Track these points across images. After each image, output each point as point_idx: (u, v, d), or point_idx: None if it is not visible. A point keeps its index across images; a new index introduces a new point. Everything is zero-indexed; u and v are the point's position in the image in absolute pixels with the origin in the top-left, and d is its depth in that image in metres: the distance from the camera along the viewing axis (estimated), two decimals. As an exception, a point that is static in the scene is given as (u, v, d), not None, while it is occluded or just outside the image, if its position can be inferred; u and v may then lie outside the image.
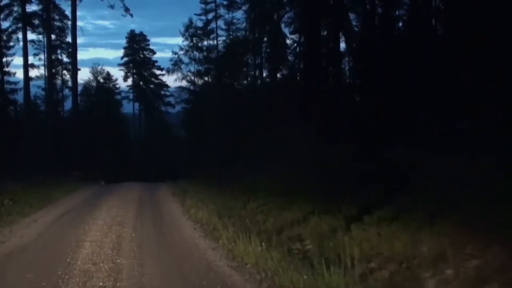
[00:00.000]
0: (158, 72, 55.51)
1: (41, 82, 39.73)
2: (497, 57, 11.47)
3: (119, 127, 49.41)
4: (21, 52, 32.82)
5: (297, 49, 28.17)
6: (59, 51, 42.89)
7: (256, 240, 7.64)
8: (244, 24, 37.55)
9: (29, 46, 35.40)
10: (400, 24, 21.05)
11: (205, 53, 43.51)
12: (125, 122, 53.25)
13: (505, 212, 5.77)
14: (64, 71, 44.28)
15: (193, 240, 8.94)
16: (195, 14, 43.98)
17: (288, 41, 31.38)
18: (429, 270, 5.37)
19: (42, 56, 39.81)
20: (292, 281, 5.73)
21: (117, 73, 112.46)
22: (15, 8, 35.41)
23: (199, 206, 12.84)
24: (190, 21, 43.62)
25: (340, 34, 23.59)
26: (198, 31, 43.80)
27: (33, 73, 38.04)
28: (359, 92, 22.21)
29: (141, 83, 56.44)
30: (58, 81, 43.66)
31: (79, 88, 39.15)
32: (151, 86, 56.59)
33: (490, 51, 11.59)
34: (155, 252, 7.96)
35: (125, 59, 55.70)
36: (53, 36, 37.65)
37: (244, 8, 37.41)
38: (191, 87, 45.73)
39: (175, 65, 44.69)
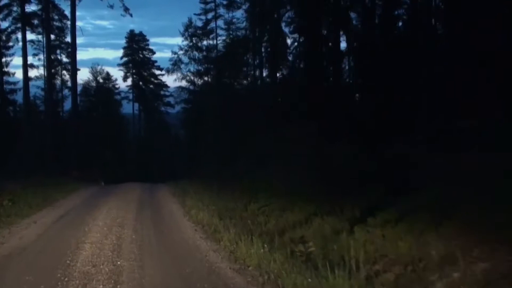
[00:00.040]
0: (157, 72, 55.51)
1: (40, 82, 39.70)
2: (498, 56, 11.42)
3: (118, 127, 49.35)
4: (20, 52, 32.69)
5: (298, 49, 28.09)
6: (58, 51, 42.81)
7: (258, 242, 7.54)
8: (244, 24, 37.57)
9: (29, 46, 35.31)
10: (400, 23, 21.04)
11: (204, 53, 43.48)
12: (125, 122, 53.15)
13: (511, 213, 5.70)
14: (64, 71, 44.24)
15: (194, 242, 8.84)
16: (195, 14, 44.07)
17: (288, 41, 31.34)
18: (435, 273, 5.28)
19: (41, 56, 39.73)
20: (295, 284, 5.64)
21: (117, 73, 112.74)
22: (14, 8, 35.42)
23: (199, 207, 12.74)
24: (190, 21, 43.71)
25: (341, 33, 23.57)
26: (198, 31, 43.80)
27: (32, 73, 38.02)
28: (360, 92, 22.17)
29: (140, 83, 56.33)
30: (58, 81, 43.53)
31: (79, 88, 39.08)
32: (151, 86, 56.49)
33: (491, 51, 11.55)
34: (155, 253, 7.86)
35: (125, 59, 55.63)
36: (52, 36, 37.52)
37: (244, 7, 37.46)
38: (191, 87, 45.68)
39: (175, 65, 44.77)
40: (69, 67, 39.63)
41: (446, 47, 15.68)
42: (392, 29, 20.17)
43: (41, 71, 39.57)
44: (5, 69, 35.91)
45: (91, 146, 38.21)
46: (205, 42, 44.01)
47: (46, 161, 28.09)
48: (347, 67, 26.13)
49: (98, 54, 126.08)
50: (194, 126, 41.85)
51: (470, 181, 7.92)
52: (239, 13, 40.88)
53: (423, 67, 15.56)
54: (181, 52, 44.14)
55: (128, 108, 55.45)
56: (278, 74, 31.54)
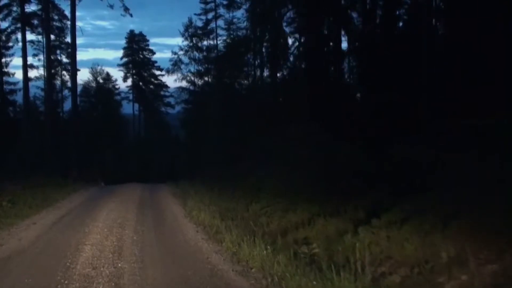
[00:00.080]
0: (157, 72, 55.50)
1: (40, 83, 39.53)
2: (498, 56, 11.36)
3: (118, 128, 49.27)
4: (20, 53, 32.54)
5: (299, 48, 28.00)
6: (58, 52, 42.69)
7: (261, 243, 7.42)
8: (245, 23, 37.45)
9: (28, 46, 35.17)
10: (401, 23, 20.96)
11: (205, 53, 43.39)
12: (125, 123, 53.08)
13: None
14: (64, 72, 44.11)
15: (196, 243, 8.74)
16: (195, 14, 43.93)
17: (289, 40, 31.23)
18: (442, 275, 5.17)
19: (41, 57, 39.55)
20: (300, 287, 5.53)
21: (117, 74, 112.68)
22: (14, 8, 35.31)
23: (200, 207, 12.63)
24: (190, 21, 43.55)
25: (342, 33, 23.50)
26: (198, 31, 43.69)
27: (32, 73, 37.87)
28: (363, 91, 22.08)
29: (140, 83, 56.30)
30: (58, 82, 43.41)
31: (79, 89, 38.95)
32: (151, 86, 56.47)
33: (492, 50, 11.48)
34: (157, 255, 7.76)
35: (125, 59, 55.63)
36: (52, 37, 37.34)
37: (244, 7, 37.35)
38: (191, 88, 45.59)
39: (175, 65, 44.65)
40: (69, 67, 39.50)
41: (446, 46, 15.62)
42: (393, 29, 20.09)
43: (41, 71, 39.50)
44: (5, 70, 35.88)
45: (91, 147, 38.10)
46: (205, 42, 43.96)
47: (46, 161, 27.95)
48: (347, 67, 26.03)
49: (98, 55, 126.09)
50: (194, 126, 41.76)
51: (479, 182, 7.85)
52: (239, 13, 40.82)
53: (424, 66, 15.48)
54: (181, 52, 44.09)
55: (128, 108, 55.52)
56: (279, 74, 31.46)
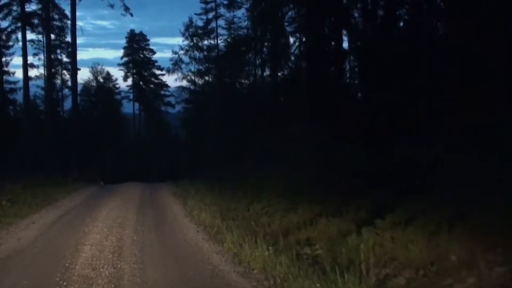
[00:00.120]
0: (158, 72, 55.46)
1: (40, 82, 39.50)
2: (499, 56, 11.29)
3: (119, 127, 49.21)
4: (20, 52, 32.50)
5: (300, 48, 27.92)
6: (58, 51, 42.63)
7: (262, 243, 7.32)
8: (246, 23, 37.35)
9: (29, 45, 35.04)
10: (401, 23, 20.86)
11: (205, 53, 43.33)
12: (125, 122, 53.02)
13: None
14: (64, 71, 44.08)
15: (196, 243, 8.63)
16: (195, 14, 43.90)
17: (290, 39, 31.14)
18: (449, 278, 5.06)
19: (41, 56, 39.47)
20: (303, 289, 5.44)
21: (117, 73, 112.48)
22: (14, 8, 35.16)
23: (201, 207, 12.54)
24: (190, 20, 43.50)
25: (344, 32, 23.41)
26: (199, 31, 43.65)
27: (32, 72, 37.83)
28: (363, 91, 21.99)
29: (141, 83, 56.27)
30: (58, 81, 43.39)
31: (79, 88, 38.86)
32: (151, 86, 56.44)
33: (492, 50, 11.42)
34: (157, 256, 7.66)
35: (125, 59, 55.62)
36: (52, 36, 37.24)
37: (245, 6, 37.27)
38: (192, 87, 45.53)
39: (175, 64, 44.62)
40: (69, 66, 39.41)
41: (446, 46, 15.54)
42: (394, 28, 20.00)
43: (41, 70, 39.45)
44: (5, 69, 35.78)
45: (91, 146, 38.00)
46: (206, 42, 43.92)
47: (46, 160, 27.88)
48: (348, 67, 25.95)
49: (99, 54, 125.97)
50: (194, 126, 41.70)
51: (478, 182, 7.78)
52: (240, 13, 40.75)
53: (424, 66, 15.41)
54: (181, 51, 44.05)
55: (128, 107, 55.49)
56: (279, 74, 31.37)
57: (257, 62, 34.87)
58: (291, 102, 26.02)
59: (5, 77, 35.31)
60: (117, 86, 53.35)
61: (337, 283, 5.26)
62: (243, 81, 37.87)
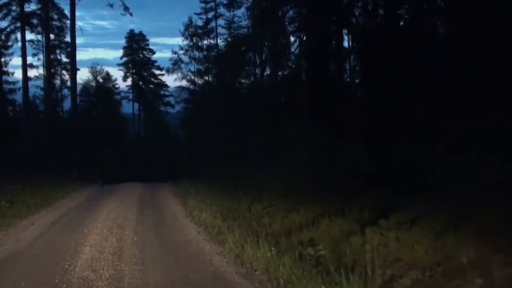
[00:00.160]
0: (157, 72, 55.35)
1: (40, 82, 39.35)
2: (499, 56, 11.24)
3: (118, 127, 49.12)
4: (19, 52, 32.42)
5: (300, 47, 27.81)
6: (58, 51, 42.50)
7: (264, 244, 7.21)
8: (246, 22, 37.22)
9: (28, 46, 34.91)
10: (402, 23, 20.78)
11: (205, 52, 43.23)
12: (125, 122, 52.92)
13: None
14: (63, 71, 43.94)
15: (197, 244, 8.53)
16: (195, 14, 43.77)
17: (291, 39, 31.02)
18: (455, 279, 4.96)
19: (41, 56, 39.33)
20: (307, 291, 5.33)
21: (116, 73, 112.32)
22: (14, 8, 35.11)
23: (202, 207, 12.46)
24: (190, 20, 43.39)
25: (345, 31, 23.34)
26: (198, 30, 43.54)
27: (32, 73, 37.72)
28: (364, 91, 21.92)
29: (140, 83, 56.15)
30: (57, 81, 43.26)
31: (78, 88, 38.78)
32: (151, 86, 56.34)
33: (492, 50, 11.37)
34: (158, 257, 7.55)
35: (124, 59, 55.50)
36: (52, 36, 37.20)
37: (246, 5, 37.14)
38: (191, 87, 45.42)
39: (175, 64, 44.48)
40: (69, 66, 39.29)
41: (446, 46, 15.48)
42: (394, 28, 19.93)
43: (40, 70, 39.31)
44: (4, 69, 35.71)
45: (91, 146, 37.91)
46: (205, 42, 43.83)
47: (45, 161, 27.82)
48: (348, 67, 25.87)
49: (98, 54, 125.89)
50: (194, 125, 41.60)
51: (480, 182, 7.71)
52: (240, 12, 40.68)
53: (424, 66, 15.34)
54: (181, 51, 43.94)
55: (128, 108, 55.40)
56: (280, 73, 31.26)
57: (257, 61, 34.75)
58: (291, 102, 25.92)
59: (4, 77, 35.28)
60: (116, 86, 53.41)
61: (342, 285, 5.15)
62: (243, 80, 37.77)
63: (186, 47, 43.65)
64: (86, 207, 13.85)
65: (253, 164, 21.07)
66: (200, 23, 43.53)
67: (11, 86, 36.28)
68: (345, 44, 24.69)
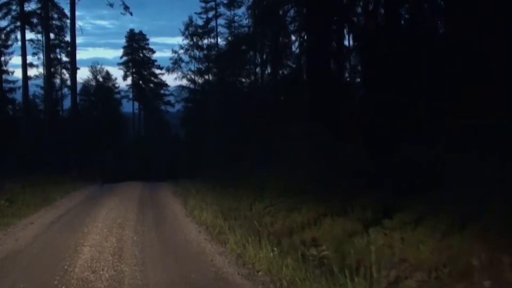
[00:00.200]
0: (157, 71, 55.23)
1: (40, 81, 39.32)
2: (499, 55, 11.19)
3: (118, 126, 49.03)
4: (19, 51, 32.38)
5: (302, 46, 27.72)
6: (58, 50, 42.42)
7: (266, 244, 7.12)
8: (247, 21, 37.11)
9: (28, 45, 34.85)
10: (402, 23, 20.70)
11: (205, 52, 43.15)
12: (125, 122, 52.82)
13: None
14: (63, 70, 43.89)
15: (198, 244, 8.43)
16: (195, 13, 43.68)
17: (292, 38, 30.92)
18: (462, 281, 4.87)
19: (41, 55, 39.23)
20: (311, 292, 5.23)
21: (117, 73, 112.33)
22: (14, 7, 35.04)
23: (202, 207, 12.36)
24: (190, 19, 43.33)
25: (346, 31, 23.27)
26: (199, 30, 43.48)
27: (32, 72, 37.71)
28: (364, 90, 21.84)
29: (140, 82, 56.02)
30: (57, 80, 43.24)
31: (78, 87, 38.73)
32: (151, 85, 56.20)
33: (492, 50, 11.32)
34: (158, 257, 7.44)
35: (125, 58, 55.33)
36: (52, 35, 37.19)
37: (246, 5, 37.04)
38: (191, 86, 45.33)
39: (175, 63, 44.39)
40: (69, 66, 39.21)
41: (447, 46, 15.43)
42: (394, 28, 19.86)
43: (40, 70, 39.23)
44: (4, 68, 35.65)
45: (91, 145, 37.82)
46: (206, 41, 43.75)
47: (45, 160, 27.74)
48: (348, 66, 25.81)
49: (98, 54, 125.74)
50: (194, 125, 41.51)
51: (483, 182, 7.64)
52: (241, 11, 40.59)
53: (424, 66, 15.29)
54: (181, 51, 43.85)
55: (128, 107, 55.29)
56: (280, 72, 31.17)
57: (258, 61, 34.66)
58: (291, 101, 25.84)
59: (4, 77, 35.29)
60: (116, 85, 53.28)
61: (347, 286, 5.05)
62: (243, 80, 37.66)
63: (187, 46, 43.65)
64: (86, 206, 13.76)
65: (253, 163, 21.01)
66: (200, 22, 43.63)
67: (11, 85, 36.38)
68: (346, 43, 24.63)
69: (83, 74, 57.33)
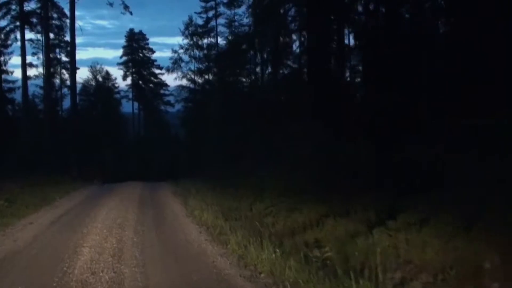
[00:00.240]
0: (157, 71, 55.17)
1: (39, 81, 39.15)
2: (499, 55, 11.14)
3: (118, 126, 48.96)
4: (19, 51, 32.26)
5: (303, 46, 27.66)
6: (57, 50, 42.24)
7: (268, 245, 7.02)
8: (248, 20, 37.00)
9: (27, 45, 34.74)
10: (403, 22, 20.63)
11: (205, 51, 43.06)
12: (124, 122, 52.76)
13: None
14: (63, 70, 43.73)
15: (199, 245, 8.33)
16: (195, 13, 43.60)
17: (293, 37, 30.84)
18: (470, 284, 4.77)
19: (40, 55, 39.12)
20: (315, 295, 5.13)
21: (116, 72, 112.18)
22: (13, 7, 34.90)
23: (202, 207, 12.29)
24: (190, 19, 43.25)
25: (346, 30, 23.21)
26: (198, 29, 43.40)
27: (31, 72, 37.57)
28: (365, 90, 21.79)
29: (140, 82, 55.95)
30: (57, 80, 43.12)
31: (78, 87, 38.64)
32: (150, 85, 56.16)
33: (492, 50, 11.27)
34: (159, 259, 7.34)
35: (124, 58, 55.28)
36: (51, 35, 37.07)
37: (246, 4, 36.94)
38: (191, 86, 45.23)
39: (175, 63, 44.29)
40: (68, 66, 39.07)
41: (447, 45, 15.38)
42: (395, 28, 19.80)
43: (40, 69, 39.08)
44: (4, 68, 35.59)
45: (90, 145, 37.74)
46: (206, 40, 43.67)
47: (45, 160, 27.64)
48: (349, 66, 25.74)
49: (98, 54, 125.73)
50: (194, 125, 41.41)
51: (484, 182, 7.57)
52: (241, 11, 40.49)
53: (424, 66, 15.24)
54: (181, 50, 43.76)
55: (127, 107, 55.24)
56: (281, 72, 31.08)
57: (258, 60, 34.56)
58: (292, 101, 25.75)
59: (3, 76, 35.21)
60: (116, 85, 53.28)
61: (351, 289, 4.96)
62: (243, 79, 37.55)
63: (186, 46, 43.56)
64: (86, 206, 13.67)
65: (254, 163, 20.95)
66: (200, 22, 43.54)
67: (11, 85, 36.33)
68: (346, 42, 24.57)
69: (82, 74, 57.13)
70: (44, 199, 14.56)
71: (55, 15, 38.62)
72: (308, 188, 12.01)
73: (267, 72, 33.79)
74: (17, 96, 35.08)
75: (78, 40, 44.52)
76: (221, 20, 42.52)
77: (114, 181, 26.42)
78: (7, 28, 35.82)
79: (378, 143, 13.27)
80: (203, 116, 37.79)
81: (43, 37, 36.06)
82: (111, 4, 31.01)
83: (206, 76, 43.24)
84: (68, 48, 37.52)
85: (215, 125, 34.09)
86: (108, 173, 32.41)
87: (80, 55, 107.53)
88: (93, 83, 50.64)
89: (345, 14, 22.35)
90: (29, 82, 33.67)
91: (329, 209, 9.09)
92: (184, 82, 45.08)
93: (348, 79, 25.90)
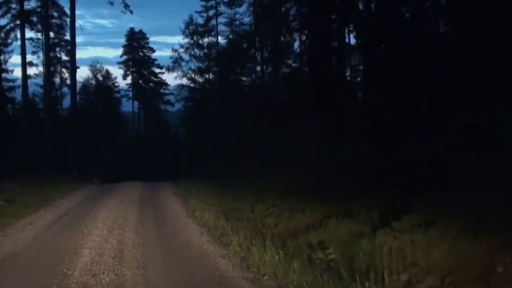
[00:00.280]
0: (157, 70, 55.06)
1: (39, 80, 39.02)
2: (499, 55, 11.08)
3: (118, 126, 48.89)
4: (19, 50, 32.13)
5: (304, 45, 27.57)
6: (57, 49, 42.11)
7: (271, 247, 6.93)
8: (249, 19, 36.89)
9: (28, 44, 34.62)
10: (403, 21, 20.57)
11: (205, 50, 42.96)
12: (124, 121, 52.69)
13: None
14: (63, 69, 43.61)
15: (201, 246, 8.24)
16: (196, 12, 43.48)
17: (294, 36, 30.72)
18: (477, 286, 4.68)
19: (40, 54, 39.00)
20: (320, 298, 5.04)
21: (116, 72, 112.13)
22: (13, 5, 34.77)
23: (203, 207, 12.20)
24: (191, 18, 43.12)
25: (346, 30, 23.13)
26: (199, 28, 43.30)
27: (31, 71, 37.49)
28: (365, 90, 21.73)
29: (140, 81, 55.88)
30: (57, 79, 42.98)
31: (78, 86, 38.55)
32: (151, 84, 56.08)
33: (492, 50, 11.21)
34: (160, 260, 7.26)
35: (124, 57, 55.21)
36: (51, 34, 36.92)
37: (248, 1, 36.80)
38: (192, 85, 45.11)
39: (175, 62, 44.18)
40: (69, 65, 38.97)
41: (447, 45, 15.33)
42: (395, 28, 19.75)
43: (40, 68, 38.97)
44: (4, 67, 35.47)
45: (90, 145, 37.65)
46: (206, 39, 43.57)
47: (45, 159, 27.55)
48: (350, 66, 25.68)
49: (98, 53, 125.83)
50: (194, 124, 41.31)
51: (485, 182, 7.50)
52: (241, 10, 40.35)
53: (424, 66, 15.19)
54: (182, 49, 43.67)
55: (127, 106, 55.18)
56: (282, 71, 30.97)
57: (259, 59, 34.44)
58: (292, 100, 25.65)
59: (3, 75, 35.06)
60: (116, 84, 53.23)
61: (357, 292, 4.87)
62: (244, 78, 37.41)
63: (187, 45, 43.46)
64: (86, 206, 13.60)
65: (254, 163, 20.87)
66: (200, 21, 43.40)
67: (11, 84, 36.13)
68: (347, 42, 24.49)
69: (83, 73, 56.96)
70: (44, 199, 14.48)
71: (55, 14, 38.49)
72: (308, 188, 11.95)
73: (267, 71, 33.67)
74: (17, 95, 34.98)
75: (78, 39, 44.50)
76: (221, 19, 42.43)
77: (114, 181, 26.34)
78: (7, 27, 35.69)
79: (378, 143, 13.23)
80: (203, 115, 37.68)
81: (43, 36, 35.99)
82: (111, 3, 31.04)
83: (207, 75, 43.11)
84: (68, 47, 37.44)
85: (216, 125, 33.98)
86: (108, 173, 32.31)
87: (80, 54, 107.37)
88: (93, 82, 50.60)
89: (346, 13, 22.27)
90: (29, 81, 33.63)
91: (332, 210, 9.00)
92: (184, 81, 45.00)
93: (349, 78, 25.83)
